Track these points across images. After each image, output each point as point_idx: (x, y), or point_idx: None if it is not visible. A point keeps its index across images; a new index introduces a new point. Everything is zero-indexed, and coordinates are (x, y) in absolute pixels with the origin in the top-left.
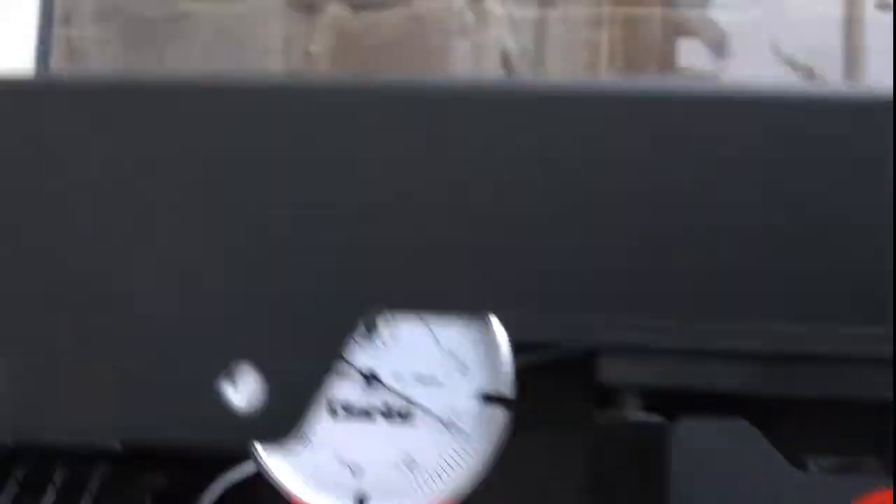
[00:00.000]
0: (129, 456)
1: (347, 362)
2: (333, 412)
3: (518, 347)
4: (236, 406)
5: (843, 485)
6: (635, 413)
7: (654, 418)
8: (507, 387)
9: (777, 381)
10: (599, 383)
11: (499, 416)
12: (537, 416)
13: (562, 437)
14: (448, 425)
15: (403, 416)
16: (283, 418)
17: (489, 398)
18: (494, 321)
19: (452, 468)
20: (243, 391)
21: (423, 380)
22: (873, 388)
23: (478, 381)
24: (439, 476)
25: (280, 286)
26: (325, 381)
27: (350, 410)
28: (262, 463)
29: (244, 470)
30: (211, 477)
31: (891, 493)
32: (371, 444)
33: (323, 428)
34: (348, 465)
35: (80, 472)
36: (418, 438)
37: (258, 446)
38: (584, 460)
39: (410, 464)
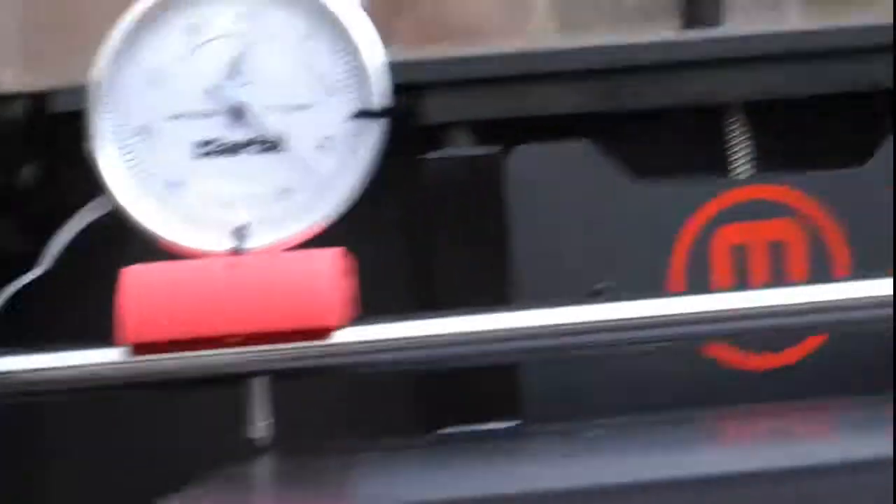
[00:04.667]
0: None
1: (215, 95)
2: (199, 152)
3: None
4: None
5: (678, 196)
6: (467, 148)
7: (487, 149)
8: (379, 101)
9: (616, 96)
10: (426, 125)
11: (371, 132)
12: None
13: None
14: (323, 150)
15: (275, 147)
16: None
17: (363, 114)
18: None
19: (326, 192)
20: None
21: (293, 108)
22: (710, 96)
23: (348, 101)
24: (315, 202)
25: None
26: None
27: (218, 147)
28: (126, 209)
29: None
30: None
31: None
32: (243, 178)
33: (189, 168)
34: (221, 203)
35: None
36: (291, 167)
37: (119, 191)
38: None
39: (286, 194)
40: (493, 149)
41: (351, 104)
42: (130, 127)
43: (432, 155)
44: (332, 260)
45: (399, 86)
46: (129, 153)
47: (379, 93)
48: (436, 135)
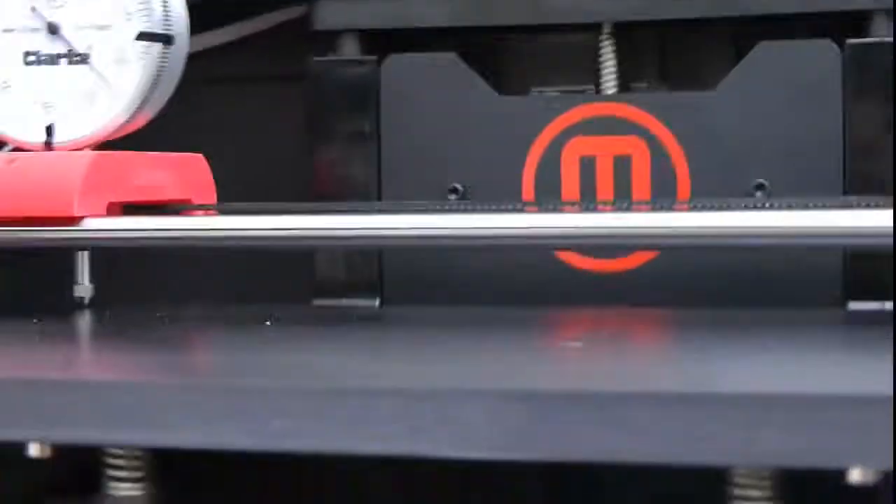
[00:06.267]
0: None
1: (36, 14)
2: (26, 60)
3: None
4: None
5: (534, 108)
6: (352, 55)
7: (368, 57)
8: (163, 27)
9: (482, 12)
10: (319, 30)
11: (156, 51)
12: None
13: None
14: (119, 63)
15: (83, 59)
16: None
17: (144, 36)
18: None
19: (123, 98)
20: None
21: (97, 28)
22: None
23: (139, 24)
24: (114, 105)
25: None
26: None
27: (40, 58)
28: None
29: None
30: None
31: None
32: (58, 84)
33: (18, 73)
34: (41, 103)
35: None
36: (96, 77)
37: None
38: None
39: (91, 98)
40: (372, 56)
41: (141, 27)
42: None
43: (321, 58)
44: (80, 161)
45: None
46: None
47: (160, 20)
48: (329, 41)
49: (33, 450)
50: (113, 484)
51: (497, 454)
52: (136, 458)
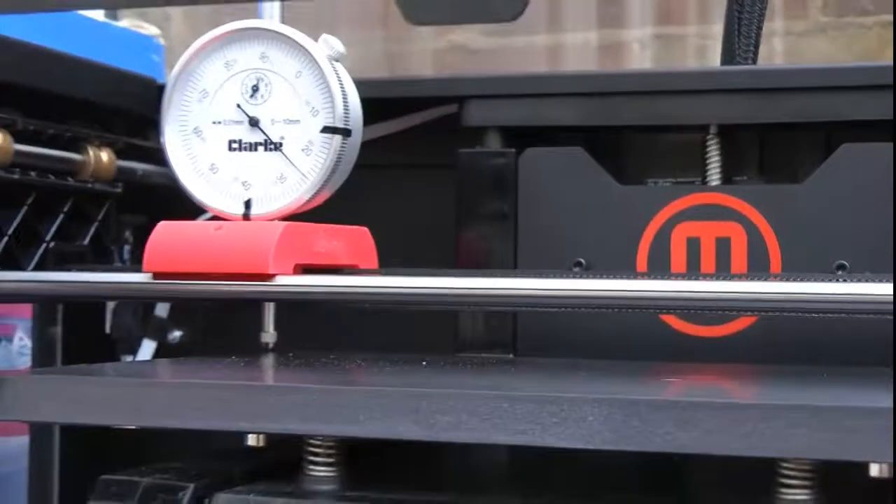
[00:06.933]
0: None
1: (240, 110)
2: (230, 147)
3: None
4: None
5: (648, 196)
6: (495, 147)
7: (508, 150)
8: (343, 122)
9: (606, 114)
10: (467, 126)
11: (337, 142)
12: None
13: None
14: (306, 151)
15: (277, 147)
16: None
17: (328, 129)
18: (341, 72)
19: (308, 180)
20: None
21: (289, 122)
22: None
23: (324, 119)
24: (301, 185)
25: None
26: None
27: (242, 145)
28: (184, 185)
29: None
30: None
31: None
32: (256, 167)
33: (224, 158)
34: (241, 182)
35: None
36: (287, 162)
37: (180, 171)
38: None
39: (282, 179)
40: (511, 149)
41: (325, 121)
42: (188, 128)
43: (469, 149)
44: (274, 229)
45: (453, 96)
46: (186, 146)
47: (343, 117)
48: (475, 134)
49: (251, 440)
50: (311, 468)
51: (607, 446)
52: (331, 446)
